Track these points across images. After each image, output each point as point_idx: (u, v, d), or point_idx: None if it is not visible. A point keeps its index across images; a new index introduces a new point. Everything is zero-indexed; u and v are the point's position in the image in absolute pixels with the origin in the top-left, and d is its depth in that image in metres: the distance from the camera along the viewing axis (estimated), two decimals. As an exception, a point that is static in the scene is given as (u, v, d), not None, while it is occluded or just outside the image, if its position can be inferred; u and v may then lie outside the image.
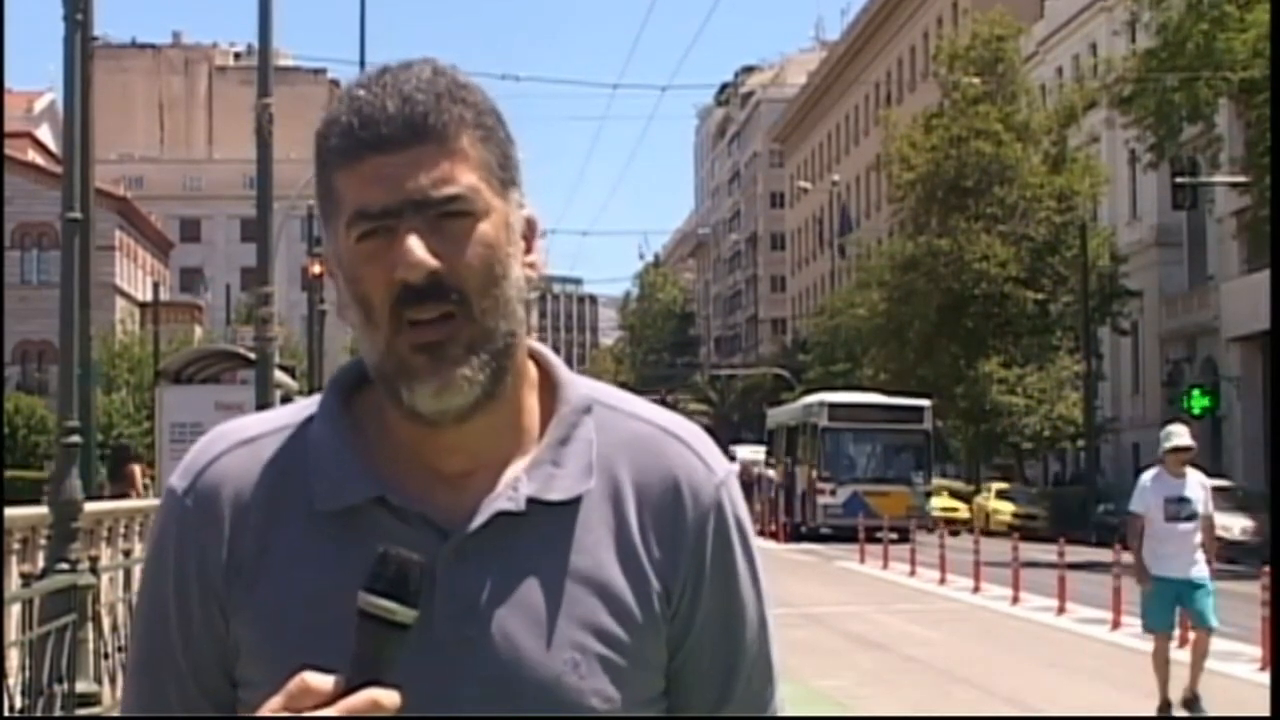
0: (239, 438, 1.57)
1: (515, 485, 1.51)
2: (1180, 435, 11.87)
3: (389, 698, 1.34)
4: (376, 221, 1.46)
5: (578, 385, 1.58)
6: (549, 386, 1.58)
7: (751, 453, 51.10)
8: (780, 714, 1.64)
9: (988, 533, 35.21)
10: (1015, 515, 42.85)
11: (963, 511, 45.90)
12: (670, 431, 1.59)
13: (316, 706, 1.33)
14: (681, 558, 1.54)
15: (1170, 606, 11.86)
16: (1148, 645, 16.24)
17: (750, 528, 1.62)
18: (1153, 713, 12.00)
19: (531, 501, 1.51)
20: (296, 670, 1.36)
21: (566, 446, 1.54)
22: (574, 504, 1.52)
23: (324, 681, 1.34)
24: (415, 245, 1.44)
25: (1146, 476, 11.90)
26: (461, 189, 1.47)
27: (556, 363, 1.59)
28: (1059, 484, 50.52)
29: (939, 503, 44.85)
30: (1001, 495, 46.01)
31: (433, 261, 1.44)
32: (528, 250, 1.54)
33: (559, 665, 1.48)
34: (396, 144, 1.46)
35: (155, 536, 1.57)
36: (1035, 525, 40.56)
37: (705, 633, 1.56)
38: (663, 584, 1.53)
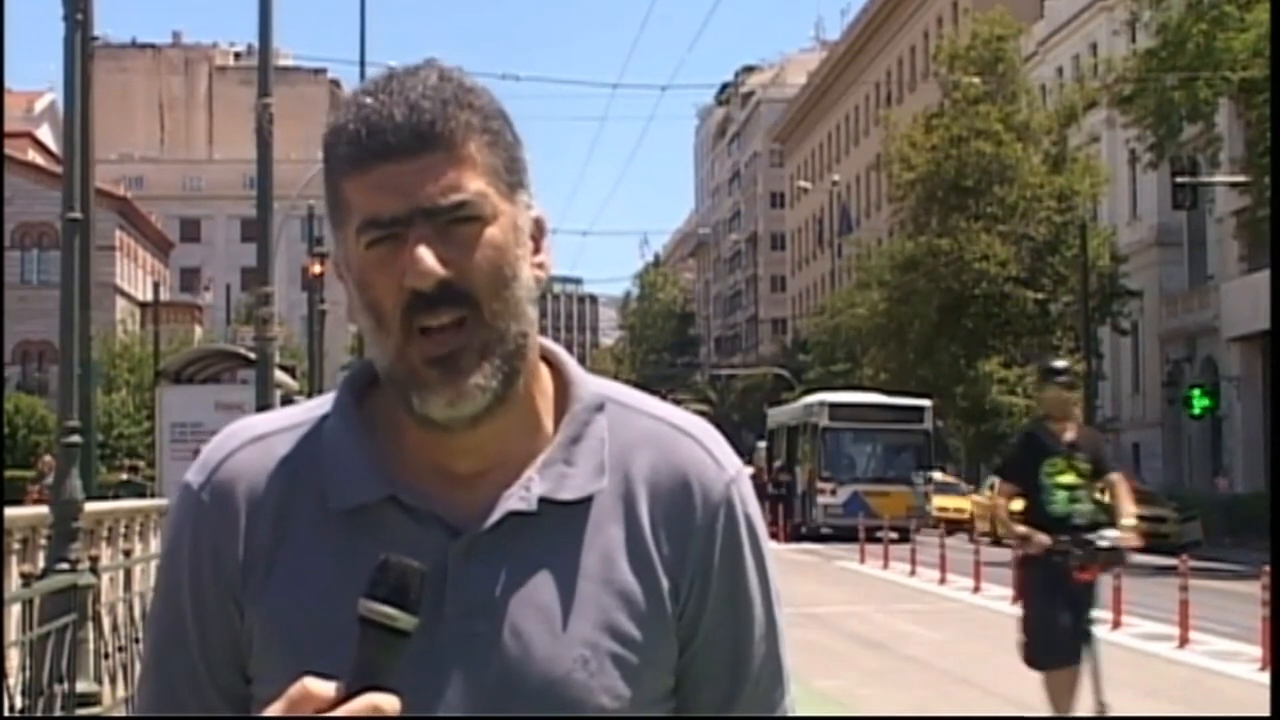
0: (253, 434, 1.58)
1: (528, 485, 1.52)
2: None
3: (389, 702, 1.35)
4: (386, 229, 1.47)
5: (589, 383, 1.59)
6: (561, 385, 1.59)
7: None
8: (790, 715, 1.64)
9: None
10: (1141, 519, 35.34)
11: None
12: (681, 428, 1.59)
13: (317, 711, 1.34)
14: (690, 554, 1.55)
15: None
16: (1147, 646, 16.33)
17: (761, 526, 1.61)
18: (1152, 711, 12.01)
19: (544, 501, 1.51)
20: (307, 667, 1.36)
21: (579, 445, 1.54)
22: (586, 503, 1.53)
23: (325, 687, 1.35)
24: (425, 254, 1.45)
25: None
26: (469, 195, 1.47)
27: (568, 361, 1.60)
28: None
29: (1020, 506, 40.16)
30: None
31: (442, 270, 1.45)
32: (536, 250, 1.55)
33: (569, 662, 1.48)
34: (405, 152, 1.47)
35: (171, 532, 1.58)
36: (1166, 531, 30.49)
37: (713, 631, 1.56)
38: (672, 581, 1.54)
